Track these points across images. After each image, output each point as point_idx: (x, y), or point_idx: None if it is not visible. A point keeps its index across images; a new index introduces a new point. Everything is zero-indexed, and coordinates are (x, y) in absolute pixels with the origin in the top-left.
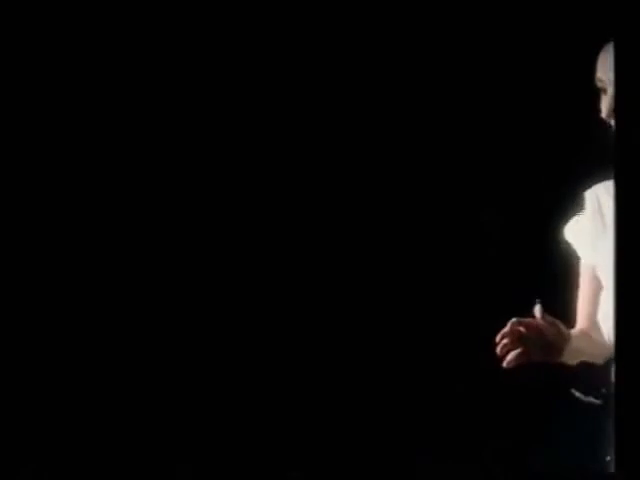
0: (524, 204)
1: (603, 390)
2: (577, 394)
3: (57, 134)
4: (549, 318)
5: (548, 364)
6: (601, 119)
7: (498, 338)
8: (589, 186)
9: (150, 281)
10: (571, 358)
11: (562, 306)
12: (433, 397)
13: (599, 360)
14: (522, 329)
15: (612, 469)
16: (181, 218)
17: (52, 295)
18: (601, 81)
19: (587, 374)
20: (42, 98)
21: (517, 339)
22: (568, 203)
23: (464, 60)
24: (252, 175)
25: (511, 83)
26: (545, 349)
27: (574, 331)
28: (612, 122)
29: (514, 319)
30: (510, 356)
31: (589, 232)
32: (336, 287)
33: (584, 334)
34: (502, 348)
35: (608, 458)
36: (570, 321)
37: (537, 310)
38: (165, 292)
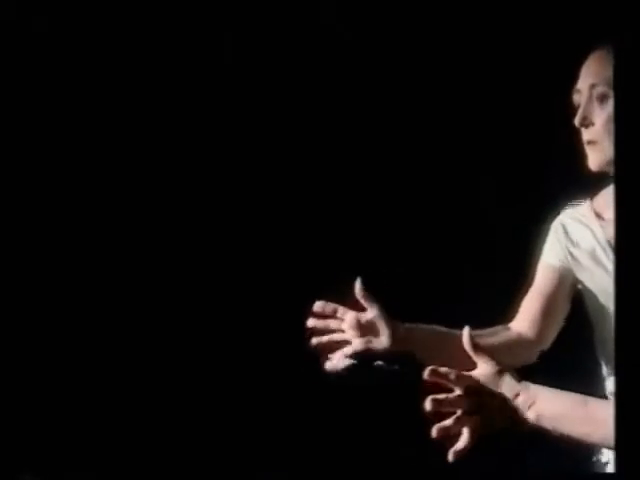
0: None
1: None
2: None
3: (57, 134)
4: (370, 298)
5: None
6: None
7: (309, 323)
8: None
9: (147, 279)
10: (422, 350)
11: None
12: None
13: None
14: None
15: (599, 470)
16: (180, 218)
17: (52, 295)
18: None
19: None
20: (42, 98)
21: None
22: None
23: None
24: (251, 175)
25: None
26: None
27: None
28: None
29: (320, 302)
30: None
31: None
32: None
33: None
34: (317, 341)
35: (594, 459)
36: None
37: (357, 286)
38: (162, 291)
